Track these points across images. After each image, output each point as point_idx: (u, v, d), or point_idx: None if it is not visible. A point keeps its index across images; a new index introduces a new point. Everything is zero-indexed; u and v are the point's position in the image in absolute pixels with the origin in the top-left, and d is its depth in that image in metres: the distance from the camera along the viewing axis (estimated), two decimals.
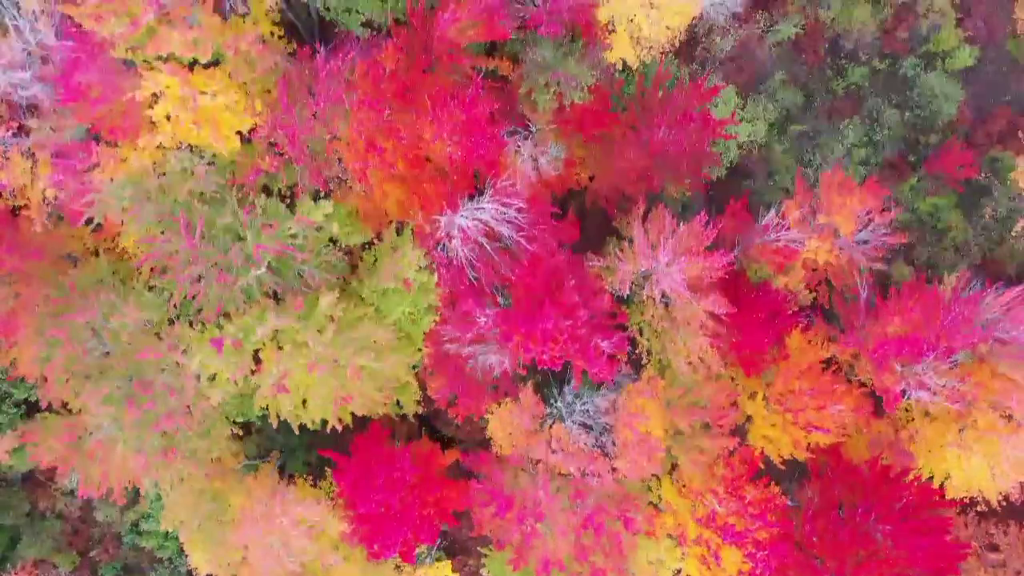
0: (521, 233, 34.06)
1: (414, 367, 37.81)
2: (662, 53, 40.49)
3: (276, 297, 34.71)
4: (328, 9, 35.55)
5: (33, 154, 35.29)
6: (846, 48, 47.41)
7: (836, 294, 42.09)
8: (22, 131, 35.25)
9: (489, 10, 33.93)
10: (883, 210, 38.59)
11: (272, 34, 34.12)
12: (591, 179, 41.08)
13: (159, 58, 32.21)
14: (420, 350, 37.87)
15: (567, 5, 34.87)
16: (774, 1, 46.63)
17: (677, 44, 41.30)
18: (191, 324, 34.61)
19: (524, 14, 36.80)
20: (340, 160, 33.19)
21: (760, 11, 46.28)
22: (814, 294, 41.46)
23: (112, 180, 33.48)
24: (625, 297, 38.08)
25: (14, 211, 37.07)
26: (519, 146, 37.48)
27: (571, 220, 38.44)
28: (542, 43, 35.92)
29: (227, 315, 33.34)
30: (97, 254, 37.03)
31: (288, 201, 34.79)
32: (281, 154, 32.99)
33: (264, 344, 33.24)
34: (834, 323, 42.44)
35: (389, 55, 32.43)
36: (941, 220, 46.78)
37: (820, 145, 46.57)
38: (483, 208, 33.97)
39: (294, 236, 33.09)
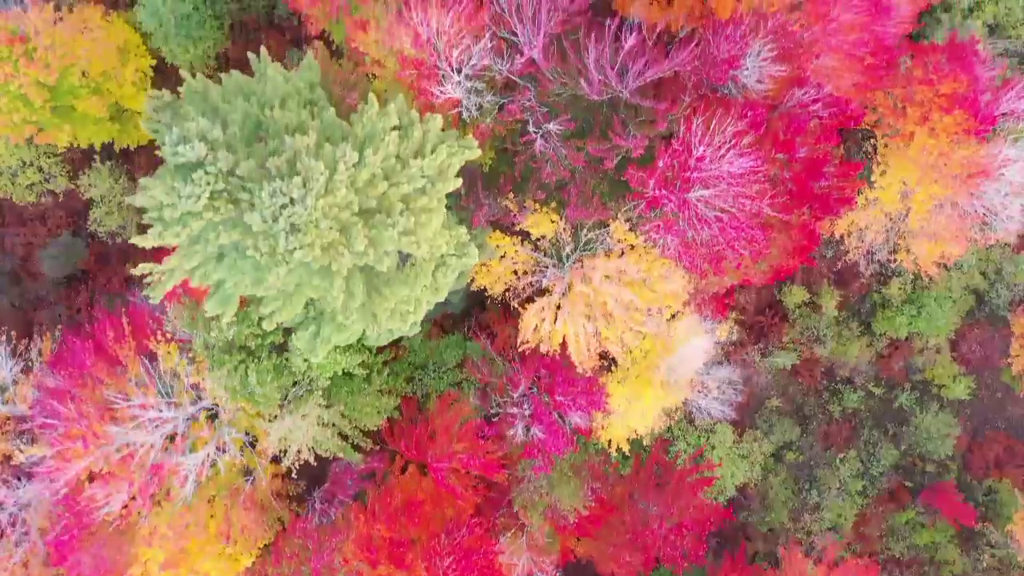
0: None
1: None
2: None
3: None
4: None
5: None
6: (842, 374, 47.47)
7: None
8: None
9: (485, 461, 34.02)
10: None
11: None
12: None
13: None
14: None
15: (563, 444, 34.85)
16: (771, 329, 46.72)
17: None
18: None
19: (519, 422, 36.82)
20: None
21: (756, 343, 46.37)
22: None
23: None
24: None
25: None
26: (515, 550, 37.39)
27: None
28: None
29: None
30: None
31: None
32: None
33: None
34: None
35: (381, 521, 32.42)
36: (939, 553, 46.65)
37: (817, 478, 46.49)
38: None
39: None
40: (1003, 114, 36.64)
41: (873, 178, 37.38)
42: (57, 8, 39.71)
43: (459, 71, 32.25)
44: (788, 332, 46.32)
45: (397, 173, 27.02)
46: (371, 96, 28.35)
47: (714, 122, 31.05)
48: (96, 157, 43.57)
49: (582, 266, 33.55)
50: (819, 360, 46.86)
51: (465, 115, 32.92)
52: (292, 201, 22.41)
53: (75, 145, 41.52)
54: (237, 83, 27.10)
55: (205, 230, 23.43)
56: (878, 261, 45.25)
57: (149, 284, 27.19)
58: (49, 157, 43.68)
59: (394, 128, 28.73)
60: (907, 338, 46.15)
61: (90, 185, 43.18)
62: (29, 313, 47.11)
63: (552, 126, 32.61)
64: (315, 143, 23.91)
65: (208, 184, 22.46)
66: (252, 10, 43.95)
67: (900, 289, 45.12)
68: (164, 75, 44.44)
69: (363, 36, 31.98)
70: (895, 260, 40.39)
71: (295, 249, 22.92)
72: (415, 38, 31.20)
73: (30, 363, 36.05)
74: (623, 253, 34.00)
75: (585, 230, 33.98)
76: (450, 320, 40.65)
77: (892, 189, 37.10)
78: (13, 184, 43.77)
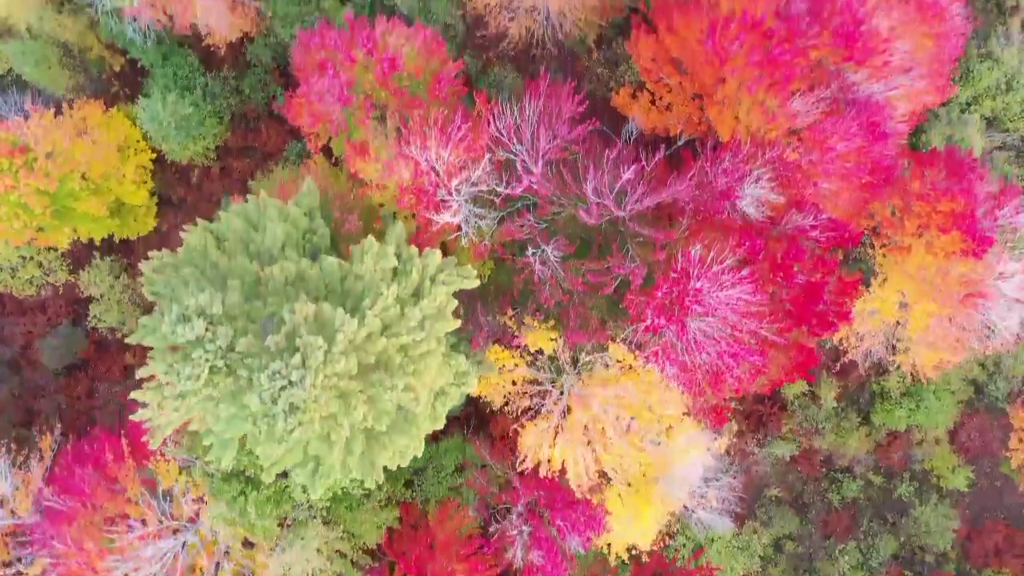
0: None
1: None
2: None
3: None
4: None
5: None
6: (841, 463, 47.48)
7: None
8: None
9: None
10: None
11: None
12: None
13: None
14: None
15: (562, 571, 34.86)
16: (770, 418, 46.71)
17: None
18: None
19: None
20: None
21: (754, 432, 46.38)
22: None
23: None
24: None
25: None
26: None
27: None
28: None
29: None
30: None
31: None
32: None
33: None
34: None
35: None
36: None
37: (816, 569, 46.48)
38: None
39: None
40: (1000, 226, 36.69)
41: (871, 288, 37.42)
42: (58, 112, 39.85)
43: (458, 192, 32.36)
44: (787, 422, 46.31)
45: (396, 323, 27.07)
46: (370, 238, 28.45)
47: (712, 253, 31.12)
48: (96, 252, 43.60)
49: (584, 386, 33.61)
50: (818, 450, 46.87)
51: (464, 241, 33.01)
52: (291, 383, 22.47)
53: (76, 238, 41.53)
54: (236, 233, 27.15)
55: (202, 401, 23.50)
56: (877, 358, 45.36)
57: (148, 432, 27.26)
58: (49, 251, 43.74)
59: (393, 268, 28.88)
60: (906, 429, 46.14)
61: (90, 283, 43.17)
62: (29, 402, 47.10)
63: (551, 250, 32.62)
64: (314, 312, 23.94)
65: (207, 361, 22.54)
66: (252, 101, 44.13)
67: (899, 381, 45.13)
68: (164, 164, 44.68)
69: (362, 164, 32.06)
70: (894, 361, 40.41)
71: (294, 429, 23.00)
72: (415, 168, 31.31)
73: (29, 472, 36.03)
74: (622, 370, 34.06)
75: (584, 352, 34.04)
76: (448, 417, 40.58)
77: (890, 301, 37.15)
78: (13, 278, 43.87)
